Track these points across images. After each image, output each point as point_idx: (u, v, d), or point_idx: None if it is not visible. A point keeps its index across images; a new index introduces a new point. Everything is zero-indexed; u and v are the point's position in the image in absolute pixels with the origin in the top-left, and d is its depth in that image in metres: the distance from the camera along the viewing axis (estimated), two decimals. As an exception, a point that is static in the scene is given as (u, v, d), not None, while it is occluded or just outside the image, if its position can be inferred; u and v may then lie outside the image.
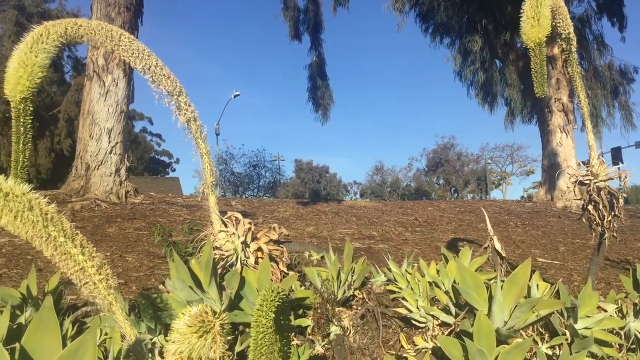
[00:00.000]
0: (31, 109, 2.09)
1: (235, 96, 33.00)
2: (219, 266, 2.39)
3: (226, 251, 2.40)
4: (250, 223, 2.45)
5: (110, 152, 6.75)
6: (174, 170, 47.39)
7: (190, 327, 1.08)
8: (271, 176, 41.35)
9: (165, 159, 47.04)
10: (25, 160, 2.11)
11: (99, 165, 6.69)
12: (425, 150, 48.09)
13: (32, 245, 3.58)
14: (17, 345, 1.48)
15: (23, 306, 2.28)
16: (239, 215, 2.46)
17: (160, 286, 2.40)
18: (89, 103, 6.76)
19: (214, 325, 1.05)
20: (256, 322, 1.03)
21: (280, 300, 1.07)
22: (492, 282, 2.09)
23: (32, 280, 2.33)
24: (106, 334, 1.98)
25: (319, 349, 2.06)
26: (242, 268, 2.33)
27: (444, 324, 2.10)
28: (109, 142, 6.74)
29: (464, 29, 12.03)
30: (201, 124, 2.45)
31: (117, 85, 6.75)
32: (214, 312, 1.07)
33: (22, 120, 2.04)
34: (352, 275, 2.39)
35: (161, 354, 1.76)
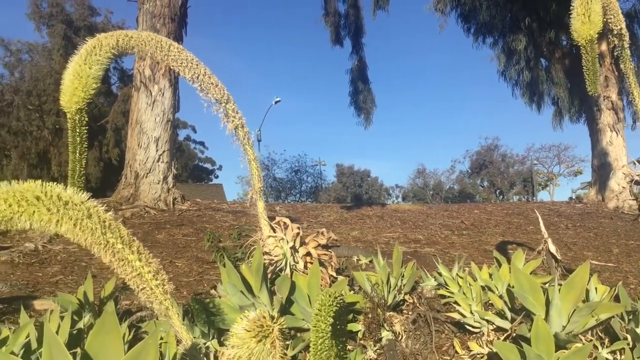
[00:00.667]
0: (86, 119, 2.15)
1: (276, 102, 33.27)
2: (268, 271, 2.41)
3: (275, 256, 2.42)
4: (298, 228, 2.46)
5: (158, 160, 6.90)
6: (217, 177, 48.10)
7: (249, 331, 1.08)
8: (313, 181, 41.50)
9: (208, 166, 47.82)
10: (82, 169, 2.17)
11: (147, 174, 6.85)
12: (468, 152, 47.31)
13: (86, 252, 3.69)
14: (78, 350, 1.52)
15: (81, 312, 2.35)
16: (287, 221, 2.47)
17: (212, 291, 2.44)
18: (136, 113, 6.94)
19: (273, 330, 1.05)
20: (315, 327, 1.03)
21: (338, 305, 1.07)
22: (548, 285, 2.04)
23: (88, 286, 2.39)
24: (161, 338, 2.02)
25: (371, 354, 2.04)
26: (291, 273, 2.34)
27: (499, 329, 2.05)
28: (157, 150, 6.90)
29: (508, 28, 11.80)
30: (248, 130, 2.47)
31: (163, 94, 6.91)
32: (272, 317, 1.08)
33: (77, 130, 2.09)
34: (402, 280, 2.37)
35: (216, 358, 1.77)
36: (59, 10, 24.07)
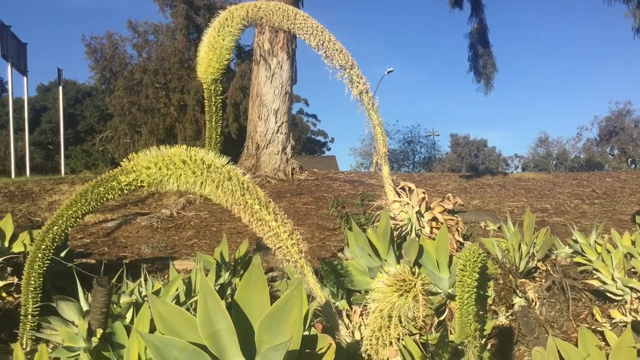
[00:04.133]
0: (220, 89, 2.25)
1: (388, 72, 32.92)
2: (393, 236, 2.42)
3: (400, 221, 2.42)
4: (424, 193, 2.44)
5: (277, 132, 7.12)
6: (329, 150, 48.75)
7: (391, 286, 1.09)
8: (426, 152, 40.83)
9: (320, 138, 48.53)
10: (218, 136, 2.28)
11: (267, 145, 7.10)
12: (596, 119, 43.90)
13: (216, 219, 3.92)
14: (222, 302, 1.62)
15: (218, 270, 2.51)
16: (413, 185, 2.46)
17: (339, 254, 2.50)
18: (257, 86, 7.18)
19: (415, 284, 1.06)
20: (461, 281, 1.02)
21: (482, 262, 1.06)
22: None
23: (224, 247, 2.54)
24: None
25: (502, 320, 2.00)
26: (417, 238, 2.33)
27: (644, 298, 1.92)
28: (276, 122, 7.11)
29: (645, -22, 10.68)
30: (373, 95, 2.47)
31: (281, 67, 7.08)
32: (413, 272, 1.09)
33: (213, 100, 2.20)
34: (534, 247, 2.28)
35: (348, 316, 1.82)
36: (181, -9, 25.22)
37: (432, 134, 40.43)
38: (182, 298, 1.78)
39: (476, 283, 1.00)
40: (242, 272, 2.52)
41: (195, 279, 1.88)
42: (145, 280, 1.86)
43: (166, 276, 2.95)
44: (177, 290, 1.77)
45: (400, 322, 1.13)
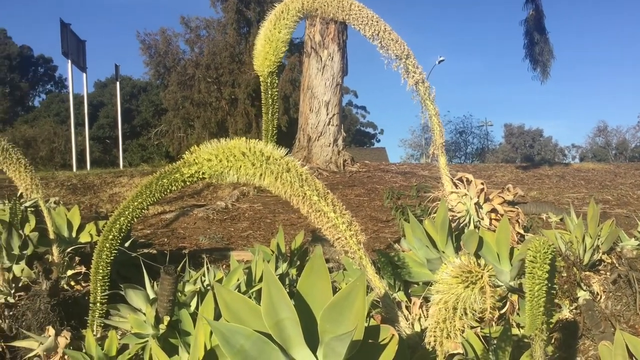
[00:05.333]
0: (276, 81, 2.27)
1: (439, 62, 32.43)
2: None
3: (458, 212, 2.39)
4: (482, 183, 2.40)
5: (328, 124, 7.14)
6: (378, 141, 48.50)
7: (456, 277, 1.08)
8: (479, 142, 40.05)
9: (370, 130, 48.32)
10: (274, 128, 2.30)
11: (318, 137, 7.13)
12: (658, 106, 41.99)
13: (270, 210, 3.96)
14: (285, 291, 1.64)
15: (275, 261, 2.54)
16: (470, 176, 2.42)
17: (396, 245, 2.49)
18: (308, 78, 7.21)
19: (482, 276, 1.05)
20: (531, 273, 1.00)
21: (552, 253, 1.03)
22: None
23: (280, 238, 2.58)
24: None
25: (566, 314, 1.95)
26: (476, 229, 2.30)
27: None
28: (327, 114, 7.13)
29: None
30: (429, 85, 2.44)
31: (332, 59, 7.08)
32: (479, 264, 1.07)
33: (269, 92, 2.22)
34: (599, 239, 2.20)
35: (407, 308, 1.81)
36: (232, -15, 25.53)
37: (484, 124, 39.62)
38: (243, 288, 1.81)
39: (547, 275, 0.98)
40: (298, 262, 2.55)
41: (255, 269, 1.91)
42: (207, 269, 1.91)
43: (224, 266, 3.02)
44: (238, 280, 1.81)
45: (466, 314, 1.12)
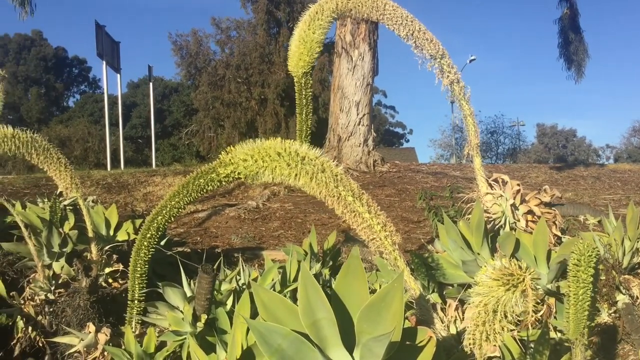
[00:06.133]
0: (311, 82, 2.27)
1: (470, 61, 32.08)
2: (486, 229, 2.36)
3: (493, 214, 2.36)
4: (518, 185, 2.36)
5: (359, 124, 7.12)
6: (407, 141, 48.21)
7: (497, 280, 1.07)
8: (510, 142, 39.46)
9: (399, 130, 48.07)
10: (308, 128, 2.30)
11: (349, 137, 7.12)
12: (697, 106, 40.75)
13: (301, 210, 3.96)
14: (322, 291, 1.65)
15: (307, 261, 2.55)
16: (506, 177, 2.39)
17: (429, 246, 2.47)
18: (338, 78, 7.21)
19: (524, 279, 1.03)
20: (575, 277, 0.99)
21: (596, 257, 1.01)
22: None
23: (313, 238, 2.58)
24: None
25: (604, 317, 1.91)
26: (512, 231, 2.27)
27: None
28: (357, 114, 7.11)
29: None
30: (464, 85, 2.42)
31: (363, 59, 7.07)
32: (520, 267, 1.06)
33: (304, 92, 2.22)
34: (638, 241, 2.15)
35: (443, 310, 1.80)
36: (262, -14, 25.70)
37: (516, 124, 38.97)
38: (278, 287, 1.82)
39: (591, 278, 0.96)
40: (331, 263, 2.55)
41: (290, 268, 1.92)
42: (242, 268, 1.92)
43: (257, 265, 3.04)
44: (272, 279, 1.82)
45: (506, 317, 1.10)
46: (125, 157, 13.93)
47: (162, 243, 2.44)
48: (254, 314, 1.53)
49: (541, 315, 1.93)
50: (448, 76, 2.38)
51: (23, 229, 1.93)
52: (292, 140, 1.55)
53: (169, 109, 35.42)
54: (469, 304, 1.89)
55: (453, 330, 1.72)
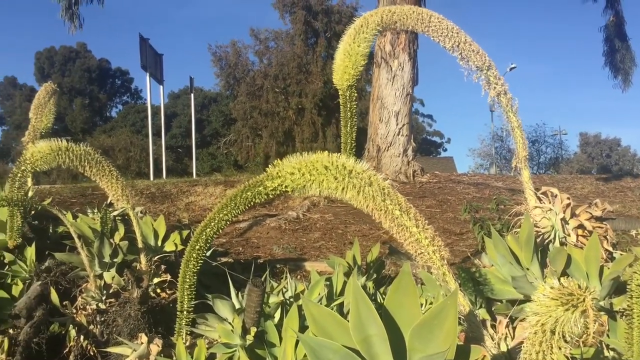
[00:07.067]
0: (355, 94, 2.28)
1: (510, 69, 31.60)
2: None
3: (542, 228, 2.31)
4: (568, 198, 2.31)
5: (398, 134, 7.09)
6: (445, 150, 47.73)
7: (555, 299, 1.05)
8: (552, 152, 38.63)
9: (436, 139, 47.66)
10: (353, 141, 2.30)
11: (388, 147, 7.09)
12: None
13: (341, 221, 3.94)
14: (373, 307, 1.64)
15: (350, 273, 2.54)
16: (556, 190, 2.33)
17: (476, 261, 2.44)
18: (377, 89, 7.20)
19: (585, 299, 1.01)
20: (639, 297, 0.96)
21: (662, 277, 0.98)
22: None
23: (356, 250, 2.57)
24: (430, 302, 2.08)
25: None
26: (561, 246, 2.21)
27: None
28: (397, 124, 7.09)
29: None
30: (512, 97, 2.38)
31: (402, 68, 7.05)
32: (579, 286, 1.03)
33: (348, 105, 2.22)
34: (697, 258, 2.07)
35: (492, 327, 1.77)
36: (300, -3, 25.96)
37: (558, 133, 38.13)
38: (324, 301, 1.82)
39: (659, 301, 0.92)
40: (375, 275, 2.54)
41: (336, 282, 1.92)
42: (286, 281, 1.93)
43: (299, 277, 3.04)
44: (319, 294, 1.82)
45: (564, 337, 1.08)
46: (166, 166, 14.20)
47: (208, 254, 2.47)
48: (302, 328, 1.53)
49: (594, 333, 1.87)
50: (495, 88, 2.35)
51: (76, 239, 1.98)
52: (329, 150, 1.55)
53: (208, 118, 36.00)
54: (520, 321, 1.85)
55: (504, 348, 1.69)
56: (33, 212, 2.57)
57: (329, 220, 4.81)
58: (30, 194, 2.70)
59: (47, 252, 2.29)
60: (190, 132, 14.35)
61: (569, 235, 2.26)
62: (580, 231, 2.26)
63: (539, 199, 2.35)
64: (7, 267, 2.31)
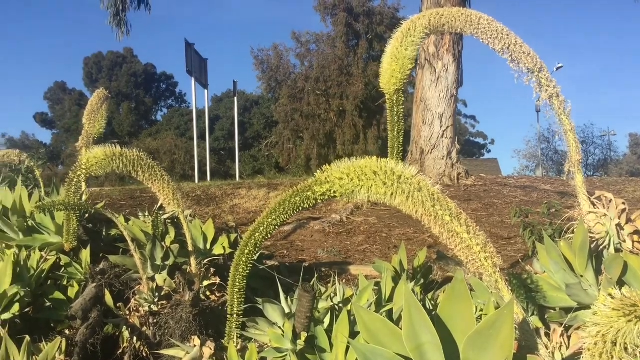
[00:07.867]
0: (402, 98, 2.26)
1: (557, 69, 30.83)
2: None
3: (597, 234, 2.24)
4: (624, 203, 2.23)
5: (442, 136, 7.01)
6: (489, 152, 46.93)
7: (617, 310, 1.02)
8: (601, 153, 37.50)
9: (480, 140, 46.92)
10: (400, 146, 2.28)
11: (431, 150, 7.02)
12: None
13: (385, 224, 3.92)
14: (427, 315, 1.62)
15: (397, 278, 2.52)
16: (611, 195, 2.26)
17: (528, 267, 2.39)
18: (421, 91, 7.13)
19: (649, 311, 0.98)
20: None
21: None
22: None
23: (403, 255, 2.55)
24: (481, 310, 2.05)
25: None
26: (617, 252, 2.14)
27: None
28: (441, 126, 7.01)
29: None
30: (565, 99, 2.32)
31: (447, 70, 6.96)
32: (642, 298, 1.00)
33: (395, 109, 2.21)
34: None
35: (547, 335, 1.72)
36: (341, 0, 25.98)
37: (607, 134, 36.97)
38: (373, 307, 1.81)
39: None
40: (422, 281, 2.51)
41: (385, 287, 1.91)
42: (334, 286, 1.93)
43: (344, 280, 3.04)
44: (368, 300, 1.81)
45: (626, 349, 1.05)
46: (210, 168, 14.42)
47: (255, 257, 2.50)
48: (352, 334, 1.53)
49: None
50: (547, 90, 2.30)
51: (130, 242, 2.03)
52: (370, 152, 1.54)
53: (249, 121, 36.42)
54: (575, 329, 1.81)
55: (558, 358, 1.64)
56: (87, 215, 2.65)
57: (373, 224, 4.79)
58: (84, 197, 2.78)
59: (101, 255, 2.36)
60: (233, 134, 14.57)
61: (624, 241, 2.18)
62: (636, 237, 2.18)
63: (593, 204, 2.28)
64: (63, 269, 2.38)
